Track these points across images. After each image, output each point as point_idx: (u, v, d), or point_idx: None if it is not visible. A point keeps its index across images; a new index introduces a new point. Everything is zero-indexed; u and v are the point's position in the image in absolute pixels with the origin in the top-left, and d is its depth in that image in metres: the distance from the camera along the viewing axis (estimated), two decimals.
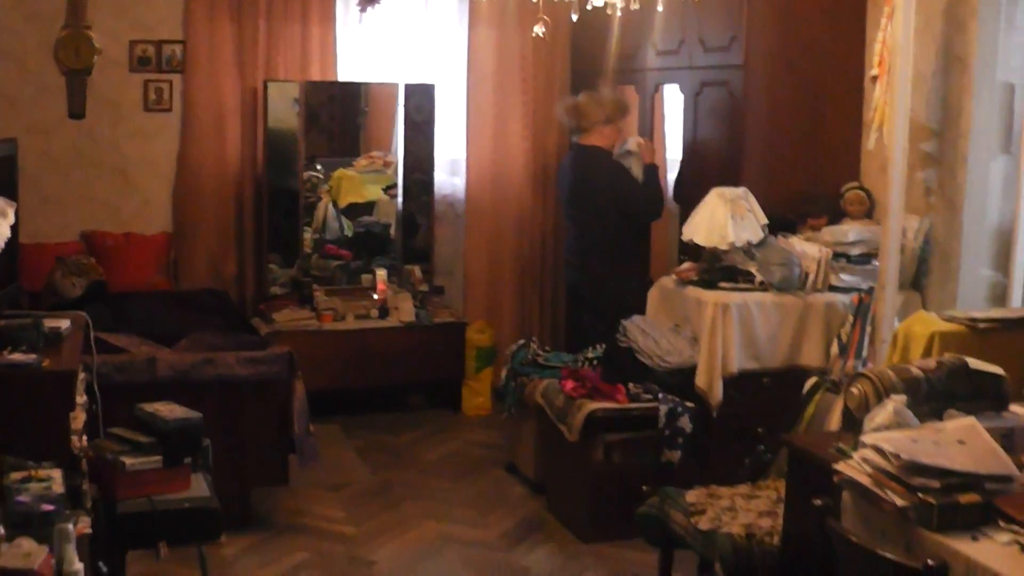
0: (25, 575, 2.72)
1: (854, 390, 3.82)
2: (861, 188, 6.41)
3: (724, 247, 6.06)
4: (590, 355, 6.52)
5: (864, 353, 5.32)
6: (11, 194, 4.77)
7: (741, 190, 6.16)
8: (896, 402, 3.62)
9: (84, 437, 4.29)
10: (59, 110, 7.74)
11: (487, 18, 8.50)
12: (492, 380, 8.08)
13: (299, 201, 8.35)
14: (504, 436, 7.28)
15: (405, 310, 7.99)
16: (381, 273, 8.19)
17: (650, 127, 7.64)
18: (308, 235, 8.46)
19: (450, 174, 8.75)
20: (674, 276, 6.36)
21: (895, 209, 5.33)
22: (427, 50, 8.53)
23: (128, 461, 4.29)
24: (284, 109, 8.16)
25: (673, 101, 7.50)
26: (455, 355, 8.10)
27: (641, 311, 6.46)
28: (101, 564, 3.92)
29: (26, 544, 3.03)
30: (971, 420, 3.50)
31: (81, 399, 4.34)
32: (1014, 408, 3.81)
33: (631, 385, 6.06)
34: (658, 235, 7.57)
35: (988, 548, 3.06)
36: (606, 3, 5.04)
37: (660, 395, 5.99)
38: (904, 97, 5.26)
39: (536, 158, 8.67)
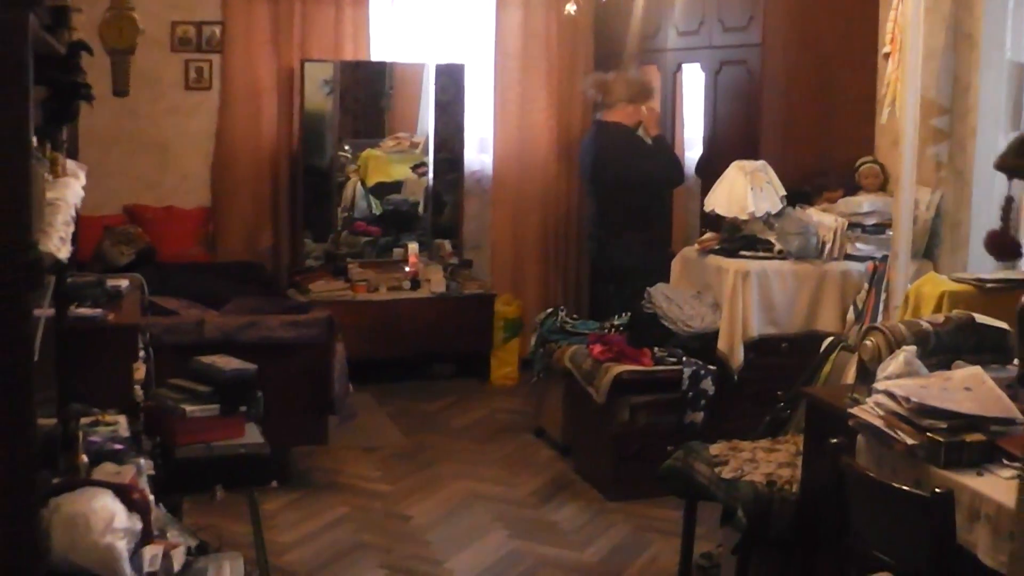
0: (119, 488, 2.94)
1: (867, 342, 4.03)
2: (875, 162, 6.55)
3: (744, 217, 6.29)
4: (616, 322, 6.72)
5: (879, 319, 5.49)
6: None
7: (760, 163, 6.36)
8: (907, 352, 3.81)
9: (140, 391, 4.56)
10: (103, 87, 7.93)
11: None
12: (519, 350, 8.30)
13: (331, 179, 8.59)
14: (531, 403, 7.49)
15: (436, 281, 8.20)
16: (413, 246, 8.40)
17: (672, 105, 7.84)
18: (338, 213, 8.68)
19: (478, 151, 8.96)
20: (696, 246, 6.59)
21: (907, 182, 5.49)
22: (455, 30, 8.72)
23: (188, 408, 4.53)
24: (317, 89, 8.39)
25: (694, 79, 7.69)
26: (483, 326, 8.27)
27: (660, 280, 6.68)
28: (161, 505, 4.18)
29: (110, 467, 3.28)
30: (977, 369, 3.68)
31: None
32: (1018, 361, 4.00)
33: (656, 349, 6.26)
34: (680, 207, 7.79)
35: (992, 482, 3.25)
36: None
37: (683, 359, 6.19)
38: (915, 74, 5.42)
39: (560, 135, 8.85)
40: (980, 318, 4.05)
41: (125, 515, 2.87)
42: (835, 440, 3.79)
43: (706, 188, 6.79)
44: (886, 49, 5.82)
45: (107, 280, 4.78)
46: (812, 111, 6.76)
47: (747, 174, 6.28)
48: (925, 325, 4.01)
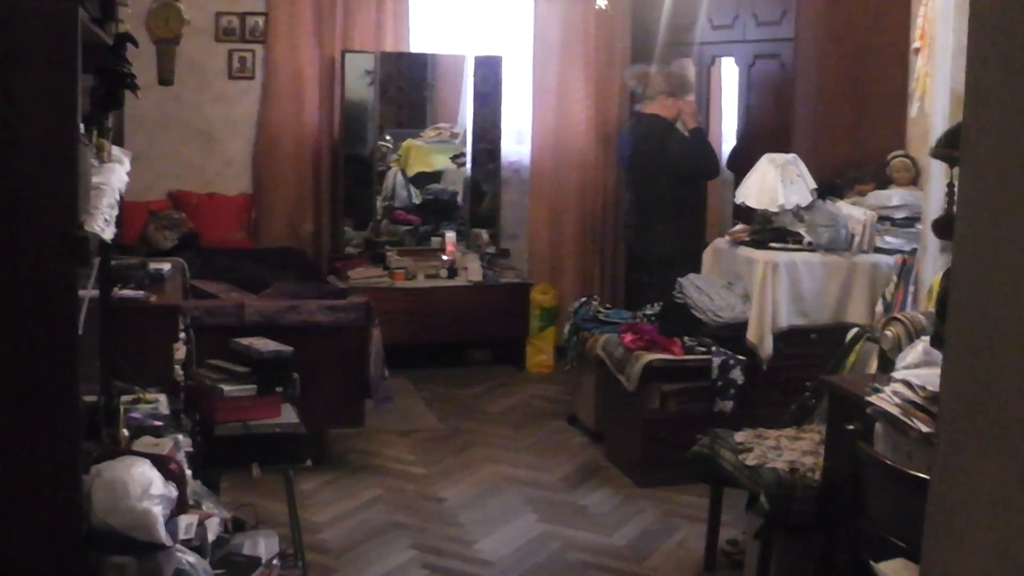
0: (157, 458, 3.07)
1: (888, 332, 4.13)
2: (907, 156, 6.57)
3: (774, 209, 6.36)
4: (647, 312, 6.81)
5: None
6: None
7: (791, 156, 6.43)
8: (926, 342, 3.91)
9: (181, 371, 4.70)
10: (149, 76, 8.11)
11: None
12: (554, 339, 8.40)
13: (372, 168, 8.72)
14: (565, 391, 7.62)
15: (473, 270, 8.32)
16: (450, 235, 8.53)
17: (706, 98, 7.93)
18: (378, 202, 8.81)
19: (516, 142, 9.07)
20: (727, 237, 6.67)
21: (936, 175, 5.55)
22: (494, 23, 8.83)
23: (226, 388, 4.64)
24: (358, 79, 8.53)
25: (728, 73, 7.79)
26: (520, 314, 8.39)
27: (695, 270, 6.76)
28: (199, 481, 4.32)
29: (149, 439, 3.42)
30: None
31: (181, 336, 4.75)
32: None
33: (686, 338, 6.35)
34: (712, 200, 7.89)
35: None
36: None
37: (713, 348, 6.27)
38: (945, 68, 5.42)
39: (597, 127, 8.93)
40: None
41: (162, 483, 3.01)
42: (851, 426, 3.88)
43: (738, 180, 6.87)
44: (916, 44, 5.88)
45: (150, 263, 4.92)
46: (844, 105, 6.81)
47: (778, 167, 6.35)
48: None
